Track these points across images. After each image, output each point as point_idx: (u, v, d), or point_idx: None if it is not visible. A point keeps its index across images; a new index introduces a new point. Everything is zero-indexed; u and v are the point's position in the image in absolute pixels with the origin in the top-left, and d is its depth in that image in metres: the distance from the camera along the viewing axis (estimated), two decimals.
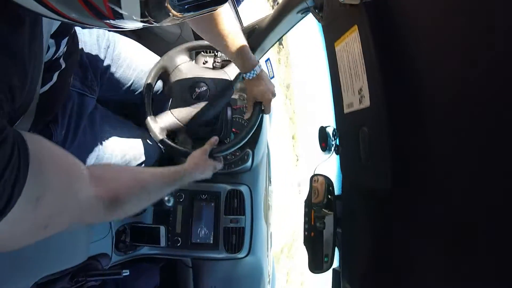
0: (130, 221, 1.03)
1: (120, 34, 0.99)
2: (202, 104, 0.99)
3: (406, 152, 0.54)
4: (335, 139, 0.85)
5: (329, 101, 0.82)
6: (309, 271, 0.86)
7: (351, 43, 0.66)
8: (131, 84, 1.04)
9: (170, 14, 0.41)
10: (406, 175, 0.54)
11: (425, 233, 0.52)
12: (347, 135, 0.72)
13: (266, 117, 1.14)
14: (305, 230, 0.84)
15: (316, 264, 0.85)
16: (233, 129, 1.10)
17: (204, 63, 1.20)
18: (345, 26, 0.66)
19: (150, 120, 0.97)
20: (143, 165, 1.05)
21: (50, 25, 0.54)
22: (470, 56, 0.43)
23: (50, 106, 0.72)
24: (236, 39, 0.87)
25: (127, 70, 1.00)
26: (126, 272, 0.90)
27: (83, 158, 0.88)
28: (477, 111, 0.42)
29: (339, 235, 0.82)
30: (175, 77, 1.02)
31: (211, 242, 1.08)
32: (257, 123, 0.93)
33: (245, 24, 1.23)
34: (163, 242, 1.02)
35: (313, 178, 0.86)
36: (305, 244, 0.86)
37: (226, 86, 1.02)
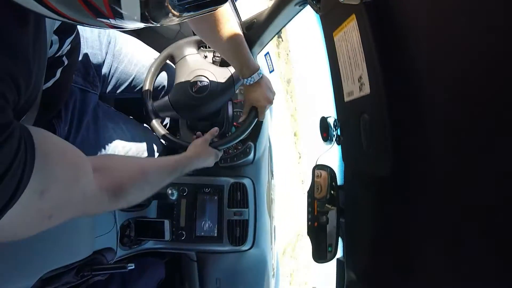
0: (134, 216, 1.03)
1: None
2: (200, 98, 0.99)
3: (407, 137, 0.55)
4: (336, 129, 0.86)
5: (329, 92, 0.83)
6: (314, 261, 0.87)
7: (349, 32, 0.66)
8: (133, 80, 1.04)
9: (170, 14, 0.41)
10: (407, 160, 0.54)
11: (426, 218, 0.53)
12: (348, 123, 0.72)
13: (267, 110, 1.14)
14: (308, 220, 0.85)
15: (320, 254, 0.85)
16: (235, 123, 1.11)
17: (204, 58, 1.20)
18: (343, 16, 0.66)
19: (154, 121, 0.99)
20: None
21: (53, 21, 0.55)
22: (468, 39, 0.43)
23: (54, 102, 0.73)
24: (236, 43, 0.85)
25: (129, 65, 1.01)
26: (131, 266, 0.91)
27: (86, 154, 0.89)
28: (478, 92, 0.42)
29: (343, 225, 0.83)
30: (180, 66, 1.02)
31: (215, 235, 1.08)
32: (251, 127, 0.93)
33: (243, 18, 1.24)
34: (167, 236, 1.02)
35: (316, 173, 0.86)
36: (308, 235, 0.87)
37: (228, 85, 1.01)
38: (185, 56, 1.03)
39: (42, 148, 0.42)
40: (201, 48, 1.22)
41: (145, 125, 1.15)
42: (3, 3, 0.38)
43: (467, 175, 0.45)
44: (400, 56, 0.56)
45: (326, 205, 0.85)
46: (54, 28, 0.58)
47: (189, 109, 0.99)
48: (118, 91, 1.04)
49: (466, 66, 0.44)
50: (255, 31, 1.17)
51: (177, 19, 0.42)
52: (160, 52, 1.06)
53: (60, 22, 0.58)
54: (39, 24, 0.47)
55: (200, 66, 1.01)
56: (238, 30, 0.85)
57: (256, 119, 0.93)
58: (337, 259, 0.85)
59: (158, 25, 0.43)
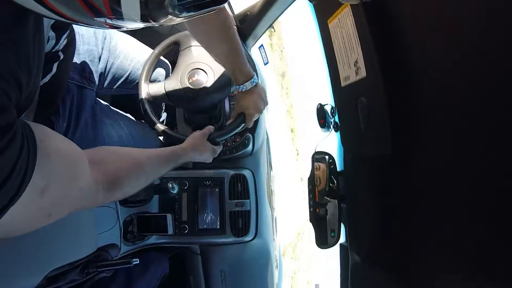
0: (136, 211, 1.03)
1: None
2: (194, 91, 0.99)
3: (404, 116, 0.56)
4: (333, 116, 0.87)
5: (325, 80, 0.84)
6: (317, 247, 0.88)
7: (343, 19, 0.67)
8: (129, 75, 1.05)
9: (170, 14, 0.41)
10: (406, 139, 0.56)
11: (426, 195, 0.54)
12: (346, 108, 0.74)
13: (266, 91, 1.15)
14: (310, 206, 0.86)
15: (323, 240, 0.87)
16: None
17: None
18: (337, 3, 0.67)
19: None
20: None
21: None
22: (460, 21, 0.45)
23: (51, 98, 0.73)
24: (232, 49, 0.83)
25: (124, 61, 1.01)
26: (136, 261, 0.91)
27: None
28: (472, 73, 0.44)
29: (344, 210, 0.84)
30: (183, 55, 1.02)
31: (218, 227, 1.09)
32: (234, 132, 0.92)
33: (236, 12, 1.24)
34: (170, 230, 1.03)
35: (315, 166, 0.88)
36: (311, 221, 0.88)
37: (224, 85, 1.00)
38: (191, 46, 1.02)
39: (43, 146, 0.42)
40: None
41: (142, 121, 1.15)
42: (4, 1, 0.38)
43: (465, 148, 0.46)
44: (394, 38, 0.57)
45: (325, 197, 0.86)
46: (51, 24, 0.58)
47: (181, 98, 0.99)
48: (115, 87, 1.04)
49: (458, 43, 0.45)
50: (249, 23, 1.18)
51: (177, 19, 0.42)
52: (153, 48, 1.06)
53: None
54: (39, 20, 0.47)
55: (202, 59, 1.01)
56: (236, 36, 0.83)
57: (243, 125, 0.93)
58: (340, 244, 0.86)
59: (158, 25, 0.43)
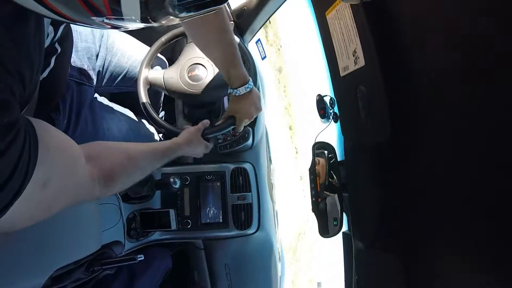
0: (139, 208, 1.03)
1: None
2: (191, 85, 0.99)
3: (402, 102, 0.57)
4: (332, 107, 0.89)
5: (323, 72, 0.85)
6: (320, 236, 0.90)
7: (341, 10, 0.68)
8: (126, 73, 1.05)
9: (170, 14, 0.41)
10: (405, 124, 0.57)
11: (427, 179, 0.56)
12: (346, 97, 0.75)
13: (261, 97, 1.16)
14: (312, 196, 0.88)
15: (326, 229, 0.89)
16: None
17: None
18: None
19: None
20: None
21: None
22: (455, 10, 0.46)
23: (51, 94, 0.73)
24: (229, 53, 0.81)
25: (122, 58, 1.02)
26: (140, 257, 0.91)
27: None
28: (467, 58, 0.45)
29: (346, 199, 0.86)
30: (189, 47, 1.02)
31: (221, 220, 1.09)
32: (223, 131, 0.93)
33: (233, 7, 1.25)
34: (173, 225, 1.03)
35: (315, 160, 0.89)
36: (313, 211, 0.90)
37: (221, 85, 1.00)
38: None
39: (44, 141, 0.43)
40: None
41: (142, 119, 1.16)
42: (5, 0, 0.39)
43: (462, 133, 0.48)
44: (392, 26, 0.58)
45: (325, 191, 0.88)
46: (50, 21, 0.58)
47: (177, 89, 1.00)
48: (113, 85, 1.05)
49: (455, 32, 0.47)
50: (246, 18, 1.19)
51: (177, 19, 0.42)
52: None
53: None
54: (39, 18, 0.47)
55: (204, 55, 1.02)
56: (232, 40, 0.81)
57: (232, 127, 0.93)
58: (343, 232, 0.88)
59: (158, 25, 0.43)
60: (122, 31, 0.97)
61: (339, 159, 0.87)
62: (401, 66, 0.57)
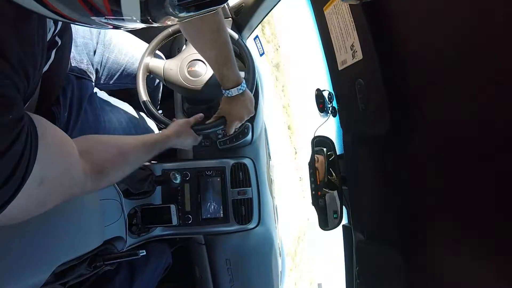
0: (140, 204, 1.04)
1: None
2: (189, 80, 1.00)
3: (401, 93, 0.59)
4: (331, 102, 0.90)
5: (321, 67, 0.86)
6: (320, 229, 0.91)
7: (339, 5, 0.69)
8: (123, 70, 1.06)
9: (170, 14, 0.41)
10: (404, 114, 0.58)
11: (425, 168, 0.57)
12: (344, 90, 0.76)
13: (260, 93, 1.17)
14: (312, 190, 0.89)
15: (325, 222, 0.90)
16: None
17: None
18: None
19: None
20: None
21: None
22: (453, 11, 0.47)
23: (51, 88, 0.74)
24: (223, 54, 0.81)
25: (119, 55, 1.02)
26: (142, 252, 0.92)
27: None
28: (463, 47, 0.46)
29: (346, 192, 0.87)
30: (188, 45, 1.03)
31: (222, 215, 1.10)
32: (212, 130, 0.93)
33: (231, 3, 1.25)
34: (174, 221, 1.03)
35: (314, 157, 0.90)
36: (313, 204, 0.91)
37: (218, 84, 0.98)
38: None
39: (44, 138, 0.44)
40: None
41: (141, 113, 1.16)
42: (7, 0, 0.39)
43: (459, 123, 0.49)
44: (389, 19, 0.59)
45: (324, 189, 0.89)
46: None
47: (175, 82, 1.00)
48: (111, 82, 1.05)
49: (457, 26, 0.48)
50: (244, 15, 1.19)
51: (177, 19, 0.43)
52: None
53: None
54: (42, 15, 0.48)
55: None
56: (227, 42, 0.81)
57: (222, 127, 0.93)
58: (343, 225, 0.89)
59: (157, 25, 0.43)
60: (123, 31, 0.98)
61: (338, 152, 0.89)
62: (398, 58, 0.58)
